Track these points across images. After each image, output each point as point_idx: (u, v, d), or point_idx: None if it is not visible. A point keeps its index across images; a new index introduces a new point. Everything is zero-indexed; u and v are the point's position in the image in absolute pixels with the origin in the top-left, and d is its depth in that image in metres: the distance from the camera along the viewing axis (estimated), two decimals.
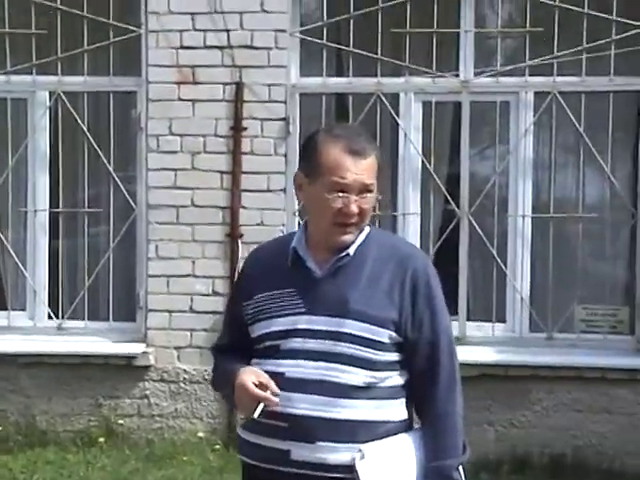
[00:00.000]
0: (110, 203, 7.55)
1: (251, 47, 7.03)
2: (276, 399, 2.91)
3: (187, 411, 7.29)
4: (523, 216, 7.01)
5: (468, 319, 7.15)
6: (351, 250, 2.99)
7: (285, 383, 2.95)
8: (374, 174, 2.99)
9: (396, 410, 3.01)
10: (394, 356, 2.97)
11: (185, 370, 7.22)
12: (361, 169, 2.94)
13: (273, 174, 7.05)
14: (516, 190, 7.12)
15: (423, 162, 7.14)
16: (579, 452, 6.71)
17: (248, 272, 3.22)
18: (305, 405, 2.96)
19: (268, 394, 2.90)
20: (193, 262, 7.20)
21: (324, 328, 2.97)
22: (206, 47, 7.07)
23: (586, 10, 6.90)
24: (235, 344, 3.18)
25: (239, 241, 7.07)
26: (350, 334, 2.95)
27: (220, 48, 7.06)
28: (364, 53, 7.11)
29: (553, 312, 7.15)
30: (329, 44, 7.21)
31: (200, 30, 7.05)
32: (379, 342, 2.94)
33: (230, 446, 6.83)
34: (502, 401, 6.88)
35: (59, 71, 7.48)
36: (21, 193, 7.74)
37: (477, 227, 7.08)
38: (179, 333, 7.24)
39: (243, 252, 6.98)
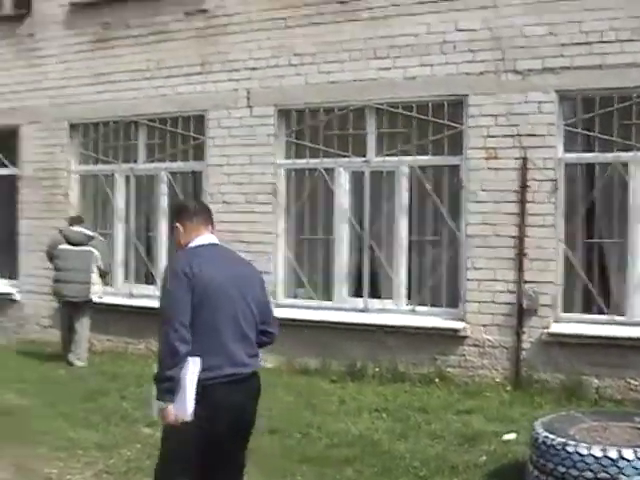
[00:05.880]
0: (442, 234, 9.61)
1: (533, 135, 8.73)
2: None
3: (489, 365, 8.97)
4: None
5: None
6: None
7: None
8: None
9: None
10: None
11: (489, 339, 8.97)
12: None
13: (547, 215, 8.72)
14: None
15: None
16: None
17: None
18: None
19: None
20: (494, 271, 8.97)
21: None
22: (504, 136, 8.95)
23: None
24: None
25: (524, 258, 8.74)
26: None
27: (512, 136, 8.92)
28: (605, 137, 8.71)
29: None
30: (582, 132, 8.83)
31: (499, 126, 8.94)
32: None
33: (517, 388, 8.37)
34: None
35: (415, 153, 9.67)
36: (389, 233, 9.90)
37: None
38: (485, 316, 8.99)
39: (526, 265, 8.65)
